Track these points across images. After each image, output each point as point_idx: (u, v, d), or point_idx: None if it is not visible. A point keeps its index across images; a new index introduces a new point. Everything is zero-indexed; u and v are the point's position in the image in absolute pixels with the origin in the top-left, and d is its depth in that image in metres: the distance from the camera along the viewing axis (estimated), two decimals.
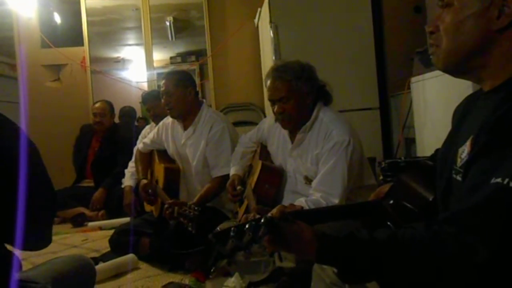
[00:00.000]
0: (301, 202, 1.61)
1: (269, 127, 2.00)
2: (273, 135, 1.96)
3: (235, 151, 2.15)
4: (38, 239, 0.95)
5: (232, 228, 0.77)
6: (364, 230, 0.77)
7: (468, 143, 0.77)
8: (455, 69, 0.85)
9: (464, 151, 0.78)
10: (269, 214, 0.81)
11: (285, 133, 1.87)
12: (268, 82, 1.76)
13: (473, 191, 0.69)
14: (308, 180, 1.74)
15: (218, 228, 0.79)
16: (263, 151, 2.05)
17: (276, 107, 1.75)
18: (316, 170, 1.70)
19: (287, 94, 1.71)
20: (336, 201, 1.60)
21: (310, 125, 1.74)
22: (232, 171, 2.05)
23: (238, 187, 1.92)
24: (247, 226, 0.76)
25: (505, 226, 0.64)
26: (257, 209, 1.66)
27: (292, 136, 1.82)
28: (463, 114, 0.90)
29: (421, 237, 0.71)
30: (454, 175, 0.80)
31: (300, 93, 1.71)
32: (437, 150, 1.05)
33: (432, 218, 0.75)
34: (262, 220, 0.76)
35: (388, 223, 0.92)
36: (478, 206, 0.67)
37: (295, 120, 1.75)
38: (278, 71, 1.75)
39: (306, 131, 1.75)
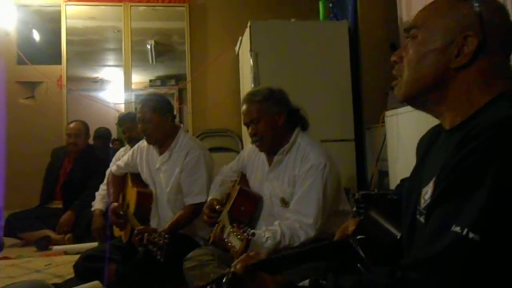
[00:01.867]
0: (275, 226, 1.63)
1: (249, 154, 2.03)
2: (252, 162, 1.99)
3: (214, 180, 2.14)
4: None
5: None
6: (330, 276, 0.76)
7: (431, 184, 0.78)
8: (414, 101, 0.88)
9: (428, 192, 0.79)
10: (231, 269, 0.80)
11: (263, 158, 1.90)
12: (243, 107, 1.86)
13: (434, 238, 0.70)
14: (284, 203, 1.76)
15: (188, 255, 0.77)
16: (243, 180, 2.05)
17: (250, 129, 1.83)
18: (292, 191, 1.73)
19: (258, 115, 1.80)
20: (310, 221, 1.62)
21: (289, 148, 1.79)
22: (210, 197, 2.03)
23: (218, 207, 1.90)
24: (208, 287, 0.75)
25: (464, 275, 0.65)
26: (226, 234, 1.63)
27: (270, 159, 1.86)
28: (426, 148, 0.92)
29: (385, 285, 0.72)
30: (418, 216, 0.81)
31: (270, 114, 1.80)
32: (402, 180, 1.06)
33: (396, 262, 0.75)
34: (224, 280, 0.76)
35: (358, 265, 0.91)
36: (439, 254, 0.68)
37: (269, 141, 1.81)
38: (250, 95, 1.87)
39: (284, 154, 1.80)
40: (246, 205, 1.86)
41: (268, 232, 1.61)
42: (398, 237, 0.90)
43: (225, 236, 1.57)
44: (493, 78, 0.79)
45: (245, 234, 1.43)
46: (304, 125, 1.87)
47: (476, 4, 0.80)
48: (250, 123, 1.82)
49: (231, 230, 1.49)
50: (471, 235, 0.65)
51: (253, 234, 1.46)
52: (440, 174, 0.75)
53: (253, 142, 1.87)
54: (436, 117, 0.88)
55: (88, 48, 5.28)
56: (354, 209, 2.13)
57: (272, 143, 1.81)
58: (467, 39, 0.79)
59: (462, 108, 0.80)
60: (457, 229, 0.66)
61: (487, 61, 0.79)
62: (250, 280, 0.78)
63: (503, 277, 0.66)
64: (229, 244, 1.49)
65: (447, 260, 0.67)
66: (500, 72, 0.80)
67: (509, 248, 0.65)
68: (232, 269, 0.80)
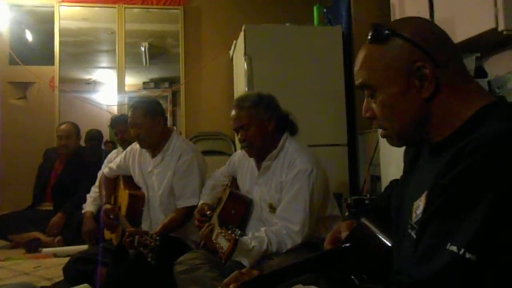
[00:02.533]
0: (261, 233, 1.64)
1: (239, 159, 2.03)
2: (242, 167, 1.99)
3: (206, 184, 2.13)
4: None
5: None
6: None
7: (423, 198, 0.78)
8: (412, 143, 0.89)
9: (419, 206, 0.79)
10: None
11: (252, 163, 1.91)
12: (232, 112, 1.85)
13: (429, 256, 0.70)
14: (272, 208, 1.76)
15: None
16: (234, 184, 2.05)
17: (239, 135, 1.83)
18: (280, 197, 1.73)
19: (247, 121, 1.80)
20: (296, 228, 1.62)
21: (276, 154, 1.79)
22: (201, 201, 2.03)
23: (208, 212, 1.90)
24: None
25: None
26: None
27: (259, 164, 1.86)
28: (414, 157, 0.92)
29: None
30: (410, 230, 0.81)
31: (259, 120, 1.80)
32: (391, 182, 1.06)
33: (390, 282, 0.75)
34: None
35: (352, 276, 0.91)
36: (435, 275, 0.67)
37: (258, 147, 1.81)
38: (239, 100, 1.86)
39: (272, 159, 1.80)
40: (236, 209, 1.86)
41: (255, 240, 1.60)
42: (390, 245, 0.90)
43: (213, 237, 1.57)
44: (468, 92, 0.80)
45: (233, 235, 1.43)
46: (293, 130, 1.87)
47: (404, 35, 0.80)
48: (239, 129, 1.82)
49: (219, 231, 1.50)
50: (467, 255, 0.65)
51: (241, 235, 1.46)
52: (433, 190, 0.75)
53: (242, 147, 1.88)
54: (429, 141, 0.88)
55: (81, 49, 5.25)
56: (346, 213, 2.14)
57: (261, 148, 1.81)
58: (420, 69, 0.79)
59: (447, 127, 0.80)
60: (453, 248, 0.66)
61: (452, 79, 0.79)
62: None
63: None
64: (217, 245, 1.49)
65: (445, 280, 0.66)
66: (471, 86, 0.81)
67: (506, 268, 0.65)
68: None
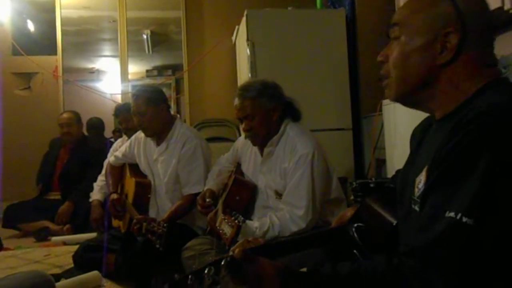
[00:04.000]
0: (266, 217, 1.66)
1: (242, 145, 2.03)
2: (245, 153, 1.99)
3: (211, 171, 2.14)
4: None
5: (190, 276, 0.74)
6: (328, 264, 0.77)
7: (424, 173, 0.79)
8: (405, 100, 0.89)
9: (421, 181, 0.80)
10: (230, 253, 0.80)
11: (256, 149, 1.90)
12: (235, 101, 1.82)
13: (429, 224, 0.71)
14: (279, 195, 1.76)
15: (175, 276, 0.76)
16: (239, 170, 2.06)
17: (243, 125, 1.80)
18: (285, 184, 1.73)
19: (252, 111, 1.76)
20: (300, 213, 1.63)
21: (278, 139, 1.78)
22: (206, 187, 2.04)
23: (208, 200, 1.91)
24: (206, 270, 0.74)
25: (460, 260, 0.66)
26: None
27: (262, 151, 1.85)
28: (420, 138, 0.93)
29: (382, 272, 0.73)
30: (413, 205, 0.82)
31: (264, 110, 1.77)
32: (397, 171, 1.07)
33: (393, 248, 0.76)
34: (223, 262, 0.75)
35: (354, 251, 0.92)
36: (434, 240, 0.69)
37: (262, 136, 1.79)
38: (243, 90, 1.81)
39: (273, 145, 1.79)
40: (241, 195, 1.86)
41: (258, 223, 1.63)
42: (394, 224, 0.91)
43: (217, 224, 1.58)
44: (479, 69, 0.81)
45: (236, 221, 1.44)
46: (295, 117, 1.85)
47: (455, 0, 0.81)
48: (243, 119, 1.79)
49: (223, 218, 1.51)
50: (464, 219, 0.66)
51: (244, 221, 1.47)
52: (432, 163, 0.76)
53: (246, 137, 1.86)
54: (429, 113, 0.89)
55: (84, 38, 5.24)
56: (352, 197, 2.15)
57: (266, 137, 1.80)
58: (448, 35, 0.80)
59: (451, 101, 0.81)
60: (451, 214, 0.67)
61: (470, 53, 0.80)
62: (249, 264, 0.77)
63: (498, 261, 0.66)
64: (221, 231, 1.51)
65: (442, 245, 0.68)
66: (484, 62, 0.82)
67: (503, 232, 0.66)
68: (231, 253, 0.80)
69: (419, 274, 0.69)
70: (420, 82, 0.83)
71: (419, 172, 0.82)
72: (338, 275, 0.75)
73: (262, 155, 1.85)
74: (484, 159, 0.67)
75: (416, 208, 0.80)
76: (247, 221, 1.62)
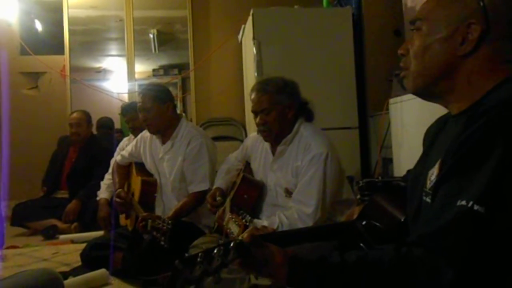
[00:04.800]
0: (274, 216, 1.66)
1: (252, 143, 2.03)
2: (255, 151, 1.99)
3: (220, 168, 2.15)
4: None
5: (200, 254, 0.74)
6: (336, 253, 0.77)
7: (437, 166, 0.80)
8: (424, 92, 0.89)
9: (433, 173, 0.80)
10: (239, 238, 0.80)
11: (267, 147, 1.90)
12: (252, 94, 1.82)
13: (439, 213, 0.71)
14: (289, 193, 1.77)
15: (189, 251, 0.77)
16: (247, 169, 2.06)
17: (258, 119, 1.80)
18: (296, 182, 1.74)
19: (269, 106, 1.76)
20: (309, 211, 1.64)
21: (291, 138, 1.78)
22: (215, 185, 2.05)
23: (218, 198, 1.92)
24: (215, 250, 0.74)
25: (469, 247, 0.66)
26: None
27: (274, 149, 1.85)
28: (433, 136, 0.93)
29: (389, 260, 0.72)
30: (424, 197, 0.82)
31: (281, 106, 1.77)
32: (408, 171, 1.06)
33: (401, 239, 0.76)
34: (232, 244, 0.75)
35: (361, 244, 0.92)
36: (443, 228, 0.69)
37: (275, 132, 1.80)
38: (262, 84, 1.82)
39: (286, 144, 1.79)
40: (249, 193, 1.87)
41: (267, 222, 1.63)
42: (402, 219, 0.91)
43: (224, 223, 1.59)
44: (498, 63, 0.81)
45: (243, 220, 1.45)
46: (309, 117, 1.86)
47: None
48: (259, 113, 1.79)
49: (230, 217, 1.52)
50: (476, 207, 0.66)
51: (251, 220, 1.47)
52: (446, 156, 0.76)
53: (259, 131, 1.86)
54: (445, 106, 0.89)
55: (91, 38, 5.27)
56: (358, 196, 2.14)
57: (279, 134, 1.80)
58: (470, 26, 0.80)
59: (469, 95, 0.81)
60: (463, 202, 0.67)
61: (491, 47, 0.80)
62: (257, 249, 0.77)
63: (507, 251, 0.66)
64: (228, 230, 1.51)
65: (452, 232, 0.67)
66: (505, 57, 0.81)
67: None
68: (240, 238, 0.80)
69: (427, 261, 0.68)
70: (440, 73, 0.83)
71: (432, 165, 0.82)
72: (345, 262, 0.74)
73: (273, 153, 1.85)
74: (498, 149, 0.67)
75: (428, 199, 0.80)
76: (255, 220, 1.62)
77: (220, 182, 2.04)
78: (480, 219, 0.65)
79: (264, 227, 1.01)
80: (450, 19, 0.82)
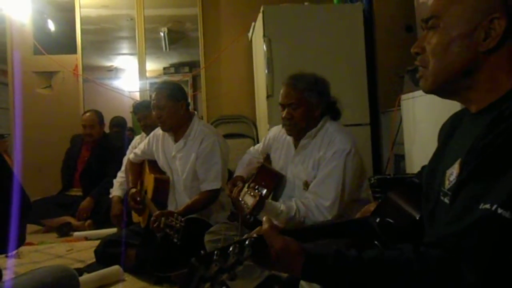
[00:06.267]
0: (291, 202, 1.68)
1: (275, 135, 2.04)
2: (278, 141, 2.00)
3: (242, 159, 2.16)
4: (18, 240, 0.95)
5: (216, 252, 0.74)
6: (352, 249, 0.76)
7: (456, 165, 0.77)
8: (443, 90, 0.85)
9: (453, 173, 0.78)
10: (254, 234, 0.80)
11: (290, 140, 1.90)
12: (283, 87, 1.83)
13: (461, 215, 0.69)
14: (307, 186, 1.77)
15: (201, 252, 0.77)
16: (267, 161, 2.07)
17: (285, 112, 1.80)
18: (316, 174, 1.74)
19: (297, 101, 1.77)
20: (327, 204, 1.64)
21: (315, 133, 1.79)
22: (236, 174, 2.06)
23: (239, 183, 1.92)
24: (231, 248, 0.74)
25: (492, 252, 0.65)
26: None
27: (297, 143, 1.86)
28: (449, 132, 0.91)
29: (407, 260, 0.71)
30: (442, 197, 0.80)
31: (309, 104, 1.78)
32: (423, 167, 1.05)
33: (418, 239, 0.75)
34: (247, 242, 0.75)
35: (376, 242, 0.92)
36: (465, 231, 0.67)
37: (300, 128, 1.80)
38: (293, 79, 1.82)
39: (310, 138, 1.80)
40: (266, 182, 1.87)
41: (284, 206, 1.64)
42: (417, 218, 0.90)
43: (241, 197, 1.61)
44: None
45: (258, 192, 1.46)
46: (335, 117, 1.86)
47: None
48: (286, 106, 1.79)
49: (246, 190, 1.54)
50: (500, 211, 0.64)
51: (266, 196, 1.48)
52: (468, 155, 0.74)
53: (283, 125, 1.86)
54: (463, 103, 0.86)
55: (102, 37, 5.31)
56: (369, 192, 2.13)
57: (303, 130, 1.81)
58: (493, 21, 0.76)
59: (490, 92, 0.78)
60: (486, 206, 0.65)
61: None
62: (275, 242, 0.76)
63: None
64: (243, 202, 1.52)
65: (475, 235, 0.66)
66: None
67: None
68: (256, 235, 0.80)
69: (447, 263, 0.67)
70: (462, 70, 0.80)
71: (450, 164, 0.80)
72: (362, 259, 0.73)
73: (295, 145, 1.86)
74: None
75: (446, 200, 0.78)
76: (272, 202, 1.63)
77: (241, 171, 2.05)
78: (505, 223, 0.63)
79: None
80: (471, 13, 0.78)
